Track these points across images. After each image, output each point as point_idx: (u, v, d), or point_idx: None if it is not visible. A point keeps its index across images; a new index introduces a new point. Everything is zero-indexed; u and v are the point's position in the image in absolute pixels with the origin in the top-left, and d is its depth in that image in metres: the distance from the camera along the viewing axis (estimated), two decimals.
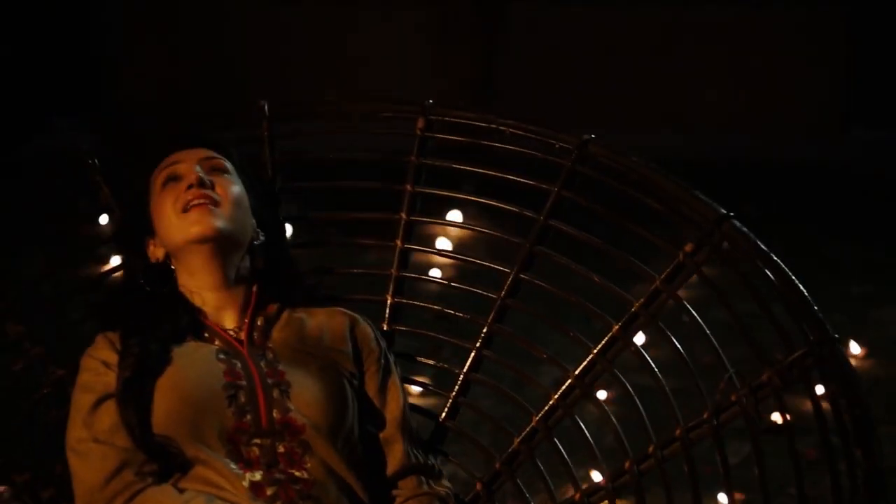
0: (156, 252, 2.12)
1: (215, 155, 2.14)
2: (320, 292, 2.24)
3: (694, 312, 2.07)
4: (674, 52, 7.75)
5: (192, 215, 2.04)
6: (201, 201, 2.04)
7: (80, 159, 2.33)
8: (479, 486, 2.19)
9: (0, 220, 5.77)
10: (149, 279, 2.10)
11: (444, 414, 2.24)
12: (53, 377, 2.19)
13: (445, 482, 2.11)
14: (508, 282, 2.25)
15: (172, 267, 2.11)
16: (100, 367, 2.01)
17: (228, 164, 2.14)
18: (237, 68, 7.99)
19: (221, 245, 2.06)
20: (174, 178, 2.10)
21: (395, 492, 2.07)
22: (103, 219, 6.07)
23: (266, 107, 2.37)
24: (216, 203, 2.05)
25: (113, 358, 2.01)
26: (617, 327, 2.14)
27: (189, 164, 2.10)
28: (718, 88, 7.74)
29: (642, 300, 2.14)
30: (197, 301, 2.08)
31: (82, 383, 2.02)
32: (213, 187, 2.06)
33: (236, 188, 2.10)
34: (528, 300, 2.25)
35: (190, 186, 2.05)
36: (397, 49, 8.03)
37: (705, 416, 2.02)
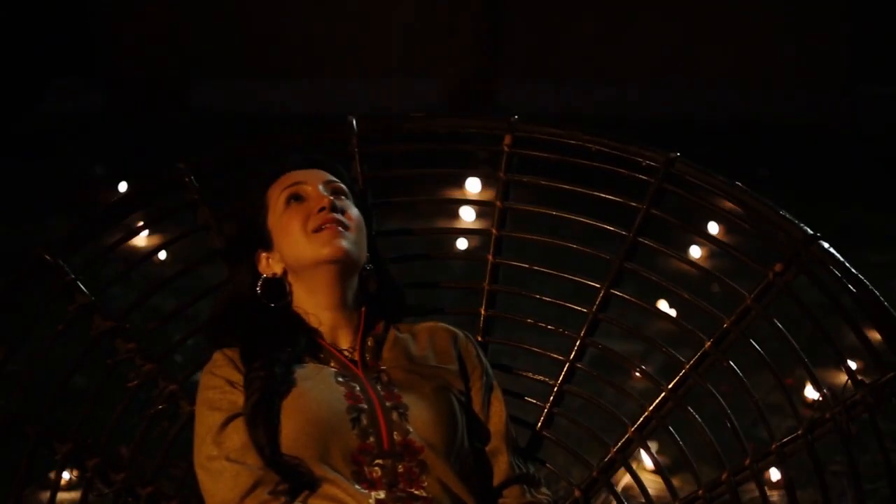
0: (273, 266, 2.19)
1: (335, 179, 2.22)
2: (419, 308, 2.33)
3: (783, 329, 2.16)
4: (678, 5, 7.79)
5: (323, 236, 2.11)
6: (333, 224, 2.12)
7: (178, 177, 2.35)
8: (577, 493, 2.28)
9: (20, 190, 5.80)
10: (265, 293, 2.17)
11: (539, 423, 2.33)
12: (166, 392, 2.27)
13: (544, 490, 2.20)
14: (599, 297, 2.34)
15: (289, 282, 2.18)
16: (224, 385, 2.08)
17: (346, 189, 2.21)
18: (236, 24, 8.00)
19: (347, 267, 2.14)
20: (299, 198, 2.17)
21: (500, 501, 2.16)
22: (122, 186, 6.09)
23: (354, 123, 2.44)
24: (345, 227, 2.13)
25: (235, 376, 2.08)
26: (709, 344, 2.23)
27: (314, 185, 2.18)
28: (720, 44, 7.80)
29: (733, 317, 2.22)
30: (313, 322, 2.16)
31: (207, 400, 2.08)
32: (342, 213, 2.13)
33: (357, 212, 2.19)
34: (617, 315, 2.34)
35: (322, 209, 2.13)
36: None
37: (799, 432, 2.12)
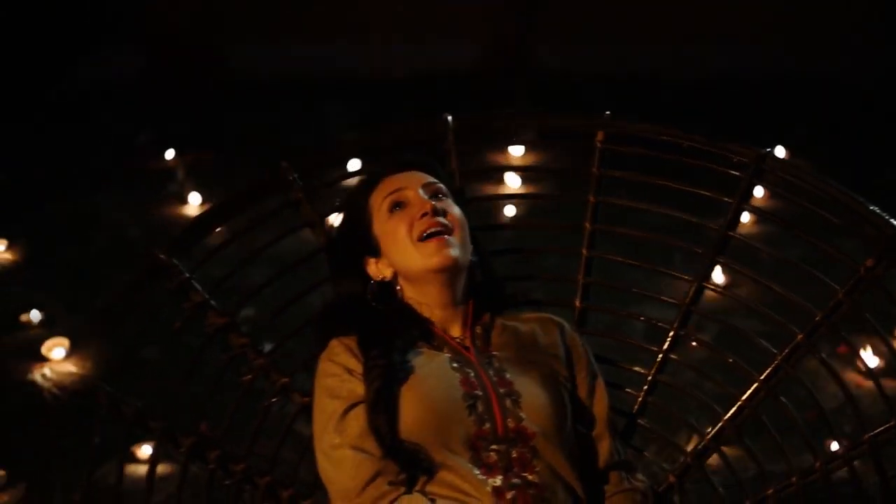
0: (382, 271, 2.26)
1: (433, 179, 2.28)
2: (518, 299, 2.41)
3: (875, 324, 2.24)
4: None
5: (430, 245, 2.18)
6: (438, 230, 2.19)
7: (282, 176, 2.43)
8: (671, 479, 2.38)
9: (61, 157, 5.81)
10: (376, 296, 2.25)
11: (634, 411, 2.43)
12: (278, 385, 2.36)
13: (640, 476, 2.28)
14: (692, 290, 2.42)
15: (399, 285, 2.25)
16: (343, 373, 2.15)
17: (445, 188, 2.28)
18: None
19: (455, 272, 2.21)
20: (401, 205, 2.24)
21: (603, 486, 2.24)
22: (169, 153, 6.15)
23: (450, 120, 2.51)
24: (449, 231, 2.20)
25: (353, 364, 2.15)
26: (801, 336, 2.32)
27: (414, 190, 2.25)
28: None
29: (825, 310, 2.30)
30: (425, 312, 2.23)
31: (327, 388, 2.15)
32: (444, 215, 2.20)
33: (458, 211, 2.25)
34: (708, 307, 2.43)
35: (424, 215, 2.20)
36: None
37: (892, 422, 2.20)
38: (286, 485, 2.30)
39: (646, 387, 2.43)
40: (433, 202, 2.22)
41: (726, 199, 2.41)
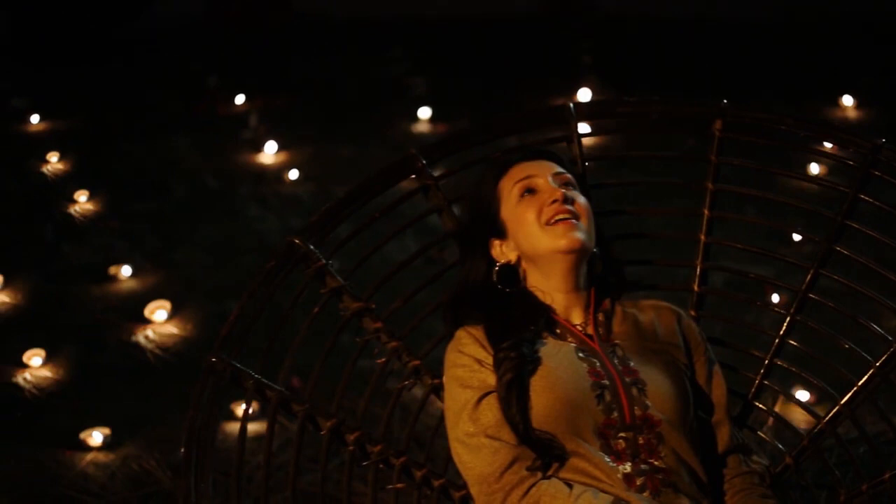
0: (507, 254, 2.33)
1: (562, 170, 2.36)
2: (637, 284, 2.48)
3: None
4: None
5: (558, 228, 2.26)
6: (566, 216, 2.26)
7: (411, 161, 2.50)
8: (788, 460, 2.46)
9: (132, 98, 5.88)
10: (501, 278, 2.32)
11: (751, 394, 2.51)
12: (409, 367, 2.45)
13: (756, 458, 2.34)
14: (809, 276, 2.49)
15: (523, 268, 2.33)
16: (473, 363, 2.22)
17: (573, 178, 2.36)
18: None
19: (581, 256, 2.28)
20: (531, 191, 2.31)
21: (723, 470, 2.31)
22: (239, 98, 6.22)
23: (572, 107, 2.57)
24: (577, 217, 2.27)
25: (482, 354, 2.22)
26: None
27: (544, 178, 2.32)
28: None
29: None
30: (547, 300, 2.30)
31: (458, 378, 2.23)
32: (572, 203, 2.28)
33: (584, 200, 2.32)
34: (826, 294, 2.49)
35: (555, 201, 2.27)
36: None
37: None
38: (420, 465, 2.39)
39: (762, 370, 2.50)
40: (563, 190, 2.29)
41: (842, 188, 2.46)
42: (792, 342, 2.49)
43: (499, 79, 6.53)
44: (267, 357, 2.32)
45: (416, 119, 6.07)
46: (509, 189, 2.34)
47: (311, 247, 2.42)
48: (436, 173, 2.54)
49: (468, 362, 2.23)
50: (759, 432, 2.52)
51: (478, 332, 2.26)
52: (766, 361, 2.51)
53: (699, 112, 2.59)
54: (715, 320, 2.57)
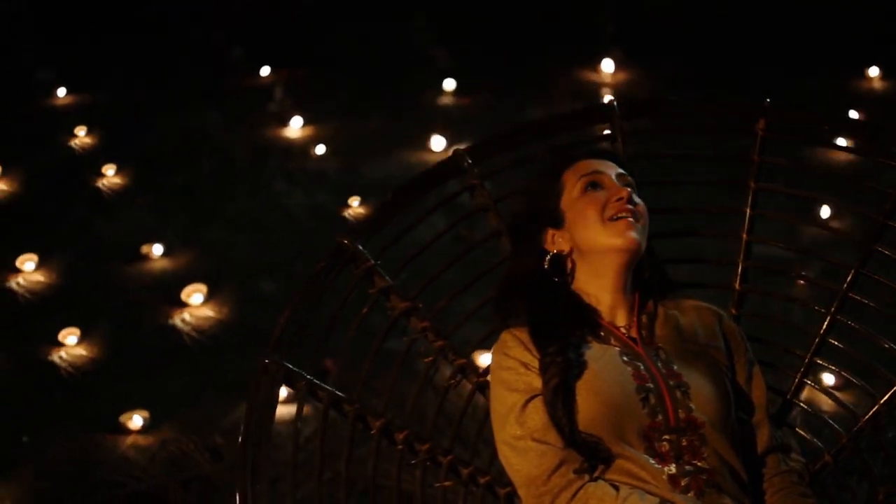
0: (560, 244, 2.37)
1: (625, 172, 2.39)
2: (679, 283, 2.51)
3: None
4: None
5: (619, 226, 2.29)
6: (628, 215, 2.30)
7: (459, 162, 2.53)
8: (827, 458, 2.49)
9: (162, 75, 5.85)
10: (551, 266, 2.35)
11: (790, 392, 2.54)
12: (455, 366, 2.49)
13: (795, 455, 2.38)
14: (850, 276, 2.51)
15: (572, 261, 2.36)
16: (518, 366, 2.26)
17: (634, 182, 2.39)
18: None
19: (634, 256, 2.32)
20: (596, 186, 2.35)
21: (762, 469, 2.34)
22: (264, 70, 6.21)
23: (616, 105, 2.60)
24: (637, 219, 2.31)
25: (527, 358, 2.26)
26: None
27: (609, 176, 2.36)
28: None
29: None
30: (592, 302, 2.34)
31: (504, 381, 2.26)
32: (635, 204, 2.31)
33: (643, 204, 2.35)
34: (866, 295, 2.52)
35: (620, 199, 2.30)
36: None
37: None
38: (466, 462, 2.44)
39: (802, 368, 2.53)
40: (630, 191, 2.32)
41: (889, 190, 2.49)
42: (832, 341, 2.52)
43: (524, 48, 6.53)
44: (317, 357, 2.36)
45: (441, 91, 6.08)
46: (574, 181, 2.37)
47: (360, 247, 2.46)
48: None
49: (514, 365, 2.26)
50: (798, 430, 2.56)
51: (523, 334, 2.29)
52: (807, 360, 2.54)
53: (743, 112, 2.60)
54: (756, 318, 2.59)
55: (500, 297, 2.40)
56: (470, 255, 2.53)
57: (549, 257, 2.36)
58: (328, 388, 2.36)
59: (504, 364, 2.28)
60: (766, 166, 2.58)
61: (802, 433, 2.56)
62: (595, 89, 6.11)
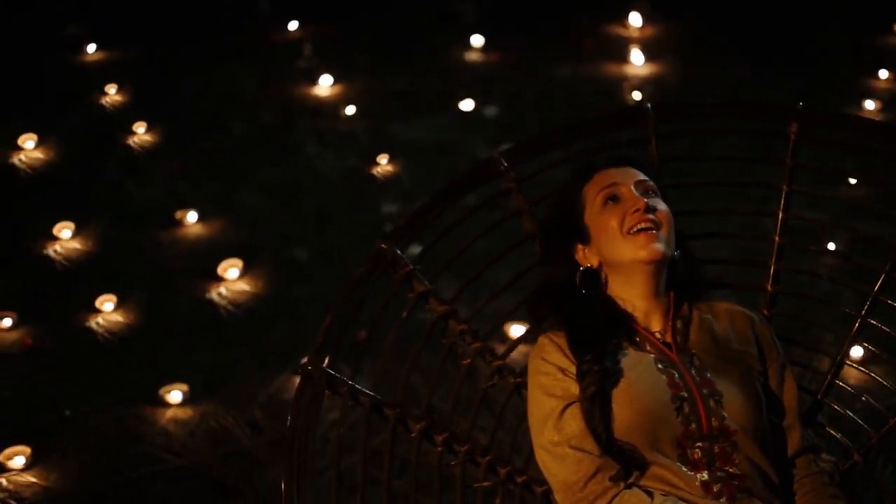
0: (589, 258, 2.41)
1: (646, 177, 2.42)
2: (713, 284, 2.56)
3: None
4: None
5: (639, 239, 2.33)
6: (648, 225, 2.34)
7: (495, 166, 2.57)
8: (857, 458, 2.55)
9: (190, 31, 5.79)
10: (583, 282, 2.40)
11: (821, 392, 2.60)
12: (493, 367, 2.55)
13: (825, 455, 2.42)
14: (881, 279, 2.55)
15: (604, 273, 2.41)
16: (556, 372, 2.31)
17: (655, 185, 2.42)
18: None
19: (661, 265, 2.36)
20: (614, 199, 2.38)
21: (793, 471, 2.39)
22: (292, 24, 6.15)
23: (650, 108, 2.63)
24: (658, 227, 2.34)
25: (565, 363, 2.31)
26: None
27: (627, 186, 2.39)
28: None
29: None
30: (627, 307, 2.38)
31: (542, 386, 2.32)
32: (654, 212, 2.35)
33: (666, 207, 2.39)
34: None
35: (637, 211, 2.34)
36: None
37: None
38: (504, 462, 2.51)
39: (833, 368, 2.58)
40: (645, 199, 2.36)
41: None
42: (862, 343, 2.57)
43: (551, 2, 6.50)
44: (358, 362, 2.42)
45: (468, 46, 6.08)
46: (593, 196, 2.41)
47: (398, 252, 2.51)
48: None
49: (552, 371, 2.31)
50: (827, 429, 2.61)
51: (560, 339, 2.34)
52: (838, 359, 2.59)
53: (775, 114, 2.63)
54: (787, 319, 2.64)
55: (534, 303, 2.45)
56: (506, 256, 2.58)
57: (580, 273, 2.40)
58: (370, 392, 2.43)
59: (542, 369, 2.33)
60: (799, 169, 2.61)
61: (832, 432, 2.61)
62: (623, 44, 6.09)
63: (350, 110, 5.55)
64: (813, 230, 2.55)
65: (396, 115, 5.51)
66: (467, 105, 5.55)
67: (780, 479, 2.32)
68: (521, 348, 2.64)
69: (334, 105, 5.62)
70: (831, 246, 2.87)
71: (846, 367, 2.59)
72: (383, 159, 5.18)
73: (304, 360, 2.40)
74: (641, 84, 5.77)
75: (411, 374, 2.47)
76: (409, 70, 5.92)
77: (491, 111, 5.62)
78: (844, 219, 2.57)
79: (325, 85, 5.72)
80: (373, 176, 5.10)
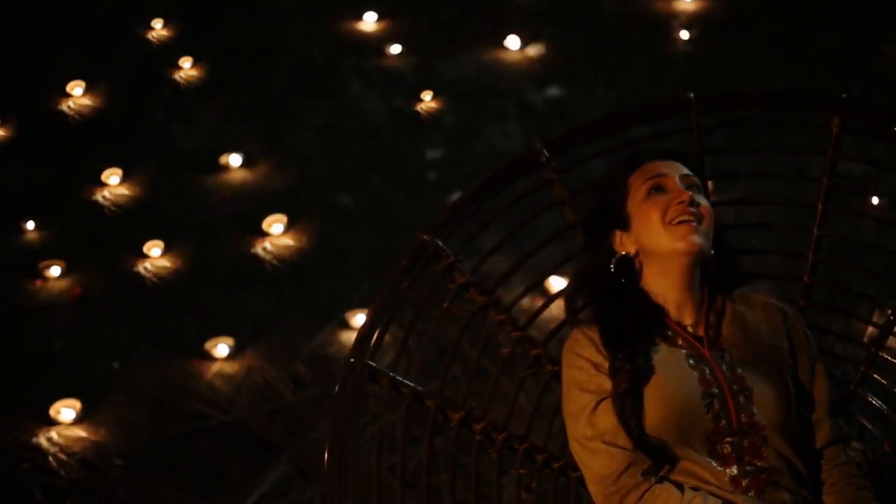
0: (627, 246, 2.45)
1: (690, 172, 2.45)
2: (748, 275, 2.58)
3: None
4: None
5: (680, 230, 2.37)
6: (689, 218, 2.37)
7: (536, 157, 2.60)
8: (886, 448, 2.58)
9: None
10: (619, 268, 2.44)
11: (853, 384, 2.63)
12: (531, 356, 2.61)
13: (855, 444, 2.46)
14: None
15: (640, 261, 2.44)
16: (589, 367, 2.36)
17: (699, 181, 2.45)
18: None
19: (698, 259, 2.39)
20: (659, 189, 2.42)
21: (821, 462, 2.43)
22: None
23: (693, 99, 2.64)
24: (699, 220, 2.38)
25: (598, 358, 2.36)
26: None
27: (673, 178, 2.42)
28: None
29: None
30: (660, 301, 2.42)
31: (575, 381, 2.37)
32: (696, 206, 2.38)
33: (708, 204, 2.42)
34: None
35: (681, 203, 2.38)
36: None
37: None
38: (540, 449, 2.58)
39: (866, 359, 2.61)
40: (689, 193, 2.39)
41: None
42: None
43: None
44: (401, 354, 2.48)
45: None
46: (639, 185, 2.44)
47: (440, 243, 2.56)
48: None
49: (585, 365, 2.36)
50: (859, 418, 2.64)
51: (593, 333, 2.39)
52: (871, 351, 2.61)
53: (818, 107, 2.63)
54: (823, 310, 2.67)
55: (570, 293, 2.50)
56: (545, 246, 2.62)
57: (616, 259, 2.44)
58: (410, 384, 2.49)
59: (575, 363, 2.38)
60: (840, 162, 2.62)
61: (863, 422, 2.64)
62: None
63: (395, 49, 5.52)
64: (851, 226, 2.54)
65: (441, 53, 5.47)
66: (513, 43, 5.51)
67: (809, 470, 2.36)
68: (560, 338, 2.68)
69: (379, 42, 5.58)
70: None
71: (881, 360, 2.62)
72: (427, 95, 5.18)
73: (348, 355, 2.45)
74: (690, 21, 5.69)
75: (451, 363, 2.52)
76: (454, 3, 5.86)
77: (537, 48, 5.57)
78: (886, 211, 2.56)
79: (369, 20, 5.69)
80: (417, 114, 5.10)
